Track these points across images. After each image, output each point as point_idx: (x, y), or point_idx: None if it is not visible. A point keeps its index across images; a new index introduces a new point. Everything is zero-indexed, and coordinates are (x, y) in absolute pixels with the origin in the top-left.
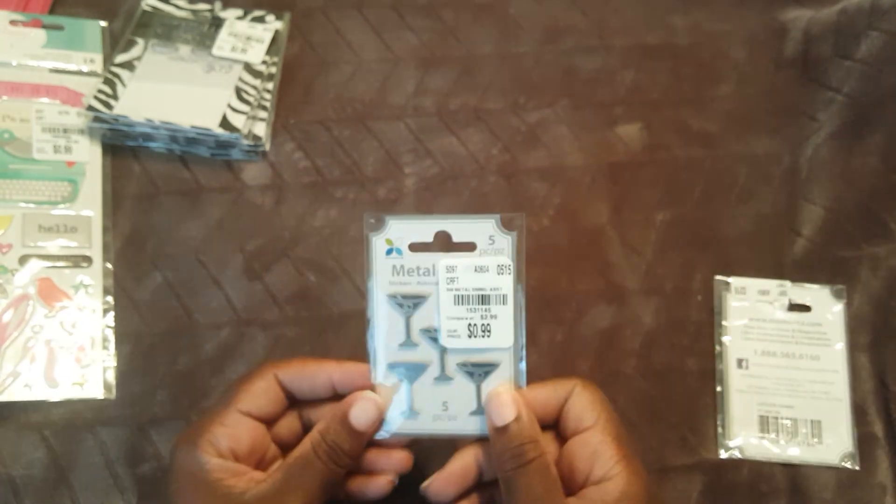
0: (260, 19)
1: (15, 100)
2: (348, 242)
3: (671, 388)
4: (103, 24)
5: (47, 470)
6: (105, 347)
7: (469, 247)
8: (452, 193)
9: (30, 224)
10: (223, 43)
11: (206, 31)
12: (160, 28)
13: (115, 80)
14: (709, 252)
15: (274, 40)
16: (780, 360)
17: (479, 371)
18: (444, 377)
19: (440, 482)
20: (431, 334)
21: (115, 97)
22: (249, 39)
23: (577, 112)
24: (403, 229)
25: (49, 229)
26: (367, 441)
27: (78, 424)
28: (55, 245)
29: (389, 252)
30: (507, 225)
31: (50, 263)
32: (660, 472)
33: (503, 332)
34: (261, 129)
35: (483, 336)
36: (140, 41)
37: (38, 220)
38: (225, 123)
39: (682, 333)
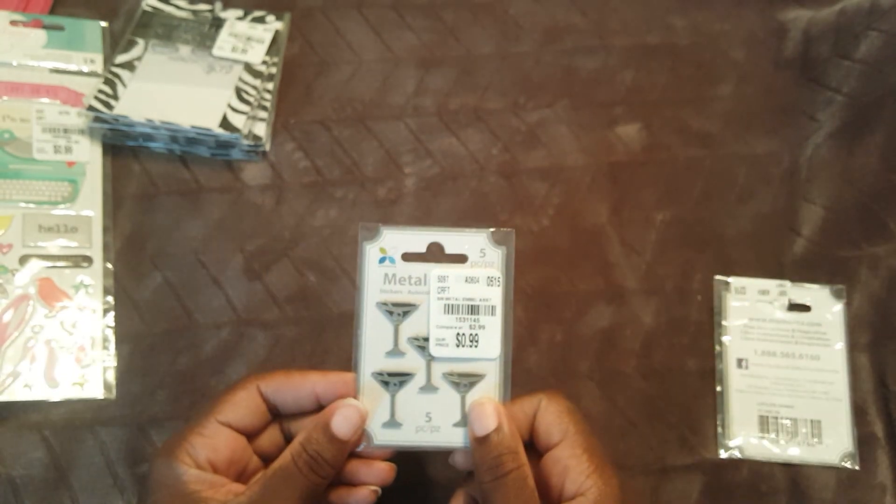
0: (260, 20)
1: (15, 100)
2: (348, 242)
3: (671, 388)
4: (104, 24)
5: (47, 470)
6: (105, 347)
7: (460, 259)
8: (452, 193)
9: (30, 224)
10: (223, 43)
11: (206, 31)
12: (160, 28)
13: (116, 81)
14: (709, 252)
15: (274, 40)
16: (780, 359)
17: (464, 382)
18: (429, 387)
19: None
20: (419, 343)
21: (115, 97)
22: (250, 40)
23: (577, 112)
24: (397, 239)
25: (49, 229)
26: (350, 450)
27: (78, 424)
28: (55, 245)
29: (382, 260)
30: (498, 240)
31: (50, 263)
32: (660, 471)
33: (490, 342)
34: (261, 129)
35: (471, 345)
36: (140, 41)
37: (39, 220)
38: (225, 123)
39: (682, 333)
